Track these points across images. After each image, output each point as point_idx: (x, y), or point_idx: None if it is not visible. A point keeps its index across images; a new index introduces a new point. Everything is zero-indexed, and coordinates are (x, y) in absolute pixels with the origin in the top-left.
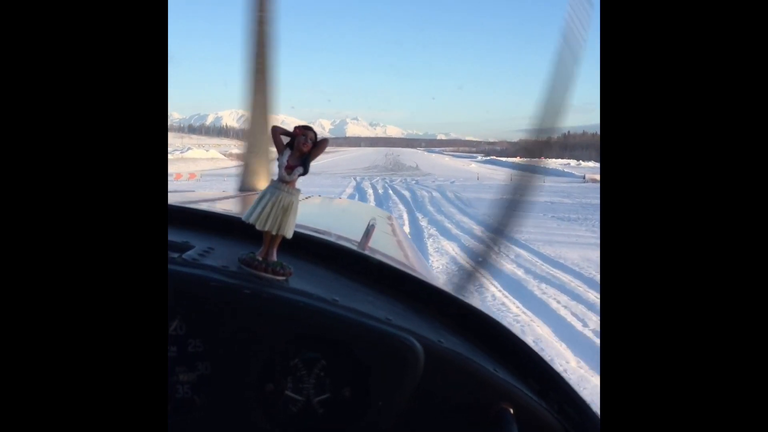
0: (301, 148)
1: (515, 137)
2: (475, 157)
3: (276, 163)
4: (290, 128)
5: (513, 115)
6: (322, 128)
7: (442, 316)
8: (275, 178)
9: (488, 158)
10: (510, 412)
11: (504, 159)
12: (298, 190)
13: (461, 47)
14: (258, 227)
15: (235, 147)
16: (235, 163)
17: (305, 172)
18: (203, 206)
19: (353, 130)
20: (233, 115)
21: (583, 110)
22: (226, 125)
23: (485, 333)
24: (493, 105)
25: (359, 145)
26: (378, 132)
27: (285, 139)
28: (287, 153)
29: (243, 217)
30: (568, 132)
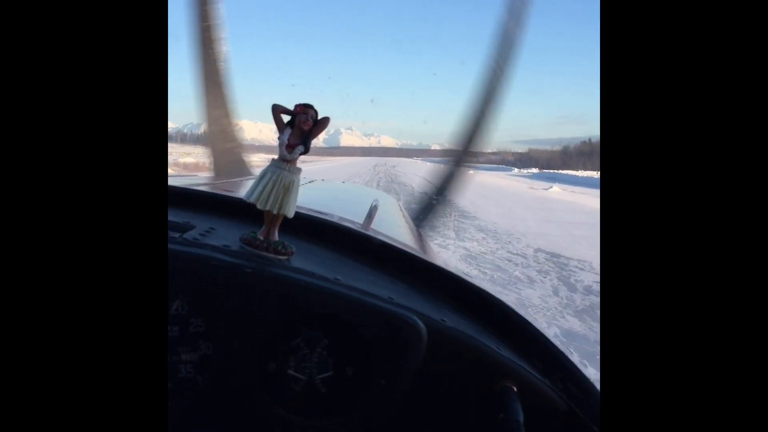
0: (301, 126)
1: (511, 148)
2: (498, 169)
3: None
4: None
5: (505, 125)
6: (317, 138)
7: (445, 296)
8: (276, 157)
9: (532, 171)
10: (514, 390)
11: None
12: (299, 169)
13: (455, 54)
14: (259, 207)
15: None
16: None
17: (306, 150)
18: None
19: (347, 140)
20: None
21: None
22: None
23: (488, 312)
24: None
25: (352, 155)
26: (372, 142)
27: (286, 118)
28: (288, 132)
29: (244, 197)
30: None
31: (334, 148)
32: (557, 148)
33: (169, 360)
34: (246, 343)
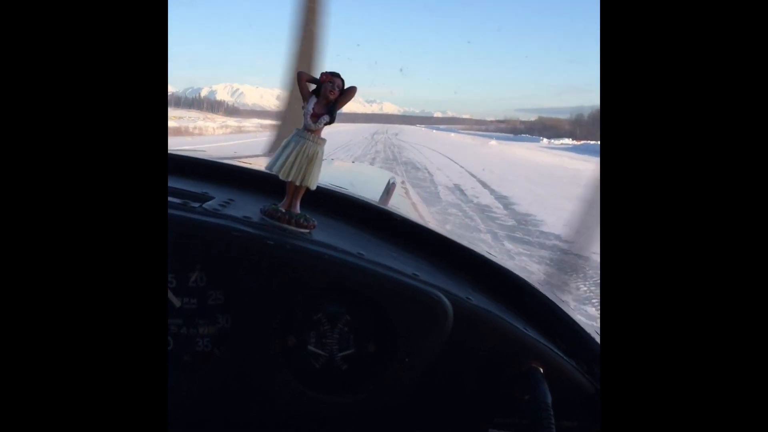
0: (327, 95)
1: (518, 116)
2: (508, 138)
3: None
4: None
5: (508, 95)
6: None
7: (468, 274)
8: (300, 127)
9: (565, 143)
10: (540, 370)
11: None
12: (324, 140)
13: (460, 23)
14: (281, 177)
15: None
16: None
17: (332, 120)
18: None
19: (349, 106)
20: (227, 90)
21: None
22: (221, 100)
23: (513, 292)
24: (488, 84)
25: (353, 122)
26: (374, 108)
27: (311, 87)
28: (313, 101)
29: (266, 167)
30: None
31: (336, 114)
32: (567, 116)
33: (186, 333)
34: (266, 317)
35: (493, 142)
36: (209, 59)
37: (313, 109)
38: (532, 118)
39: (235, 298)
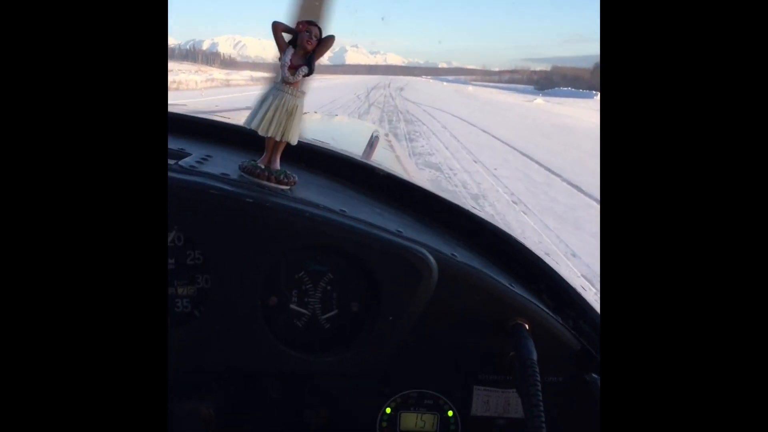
0: (305, 45)
1: (529, 66)
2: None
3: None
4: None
5: (515, 44)
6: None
7: (454, 231)
8: (278, 79)
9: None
10: (525, 327)
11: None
12: (303, 92)
13: None
14: (260, 133)
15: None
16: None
17: (310, 72)
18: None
19: (353, 57)
20: (229, 42)
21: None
22: (222, 52)
23: (499, 248)
24: (492, 33)
25: (357, 73)
26: (378, 60)
27: (288, 38)
28: (290, 51)
29: (243, 123)
30: None
31: (339, 66)
32: (585, 66)
33: None
34: (246, 276)
35: (539, 100)
36: (212, 10)
37: (290, 60)
38: (546, 67)
39: (214, 258)
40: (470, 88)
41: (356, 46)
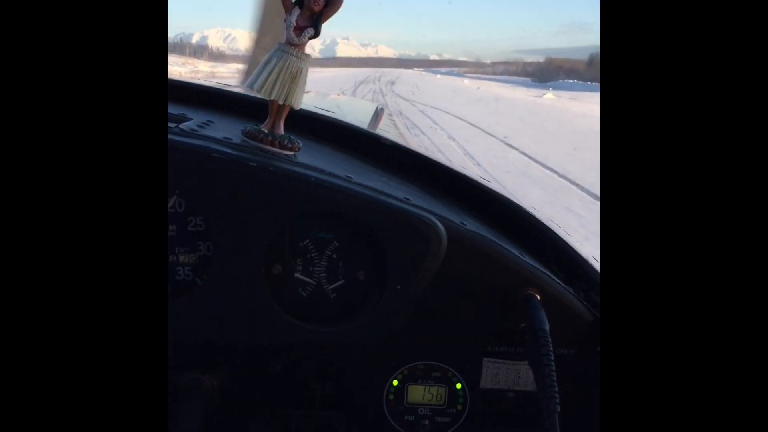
0: (312, 6)
1: (522, 58)
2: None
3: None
4: None
5: (505, 35)
6: (312, 48)
7: (462, 200)
8: (282, 41)
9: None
10: (537, 297)
11: None
12: (308, 55)
13: None
14: (263, 95)
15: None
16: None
17: (316, 34)
18: None
19: (344, 50)
20: (219, 35)
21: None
22: (212, 46)
23: (509, 218)
24: (482, 25)
25: (348, 65)
26: (369, 52)
27: None
28: (296, 12)
29: (246, 84)
30: None
31: (330, 58)
32: (580, 57)
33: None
34: (249, 243)
35: (550, 95)
36: (202, 2)
37: (296, 21)
38: (540, 59)
39: (216, 225)
40: (466, 81)
41: (347, 39)
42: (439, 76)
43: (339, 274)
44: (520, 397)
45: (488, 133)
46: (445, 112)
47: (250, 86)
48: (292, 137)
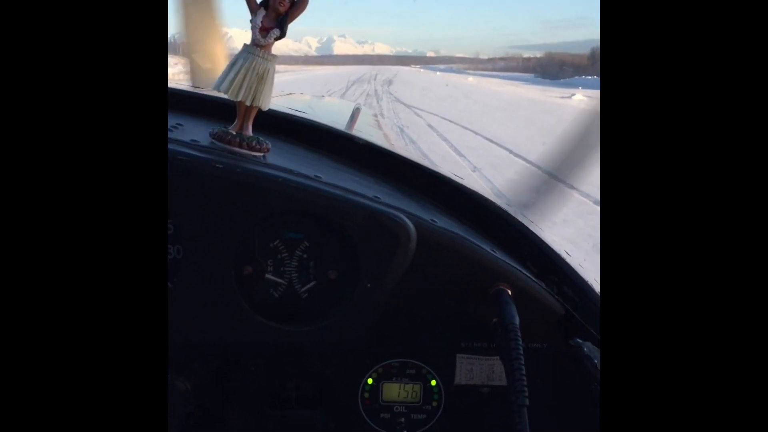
0: (277, 7)
1: (516, 53)
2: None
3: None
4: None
5: (500, 31)
6: (309, 46)
7: (435, 197)
8: (248, 42)
9: None
10: (508, 292)
11: None
12: (275, 56)
13: None
14: (230, 97)
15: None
16: None
17: (282, 34)
18: None
19: (340, 47)
20: None
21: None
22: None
23: (481, 214)
24: (477, 21)
25: (345, 63)
26: (366, 50)
27: None
28: (261, 13)
29: (213, 86)
30: None
31: (326, 56)
32: (579, 51)
33: None
34: (219, 246)
35: (579, 95)
36: None
37: (261, 22)
38: (539, 54)
39: (185, 228)
40: (471, 78)
41: (344, 36)
42: (438, 73)
43: (310, 273)
44: (495, 392)
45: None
46: (460, 125)
47: (217, 88)
48: (261, 138)
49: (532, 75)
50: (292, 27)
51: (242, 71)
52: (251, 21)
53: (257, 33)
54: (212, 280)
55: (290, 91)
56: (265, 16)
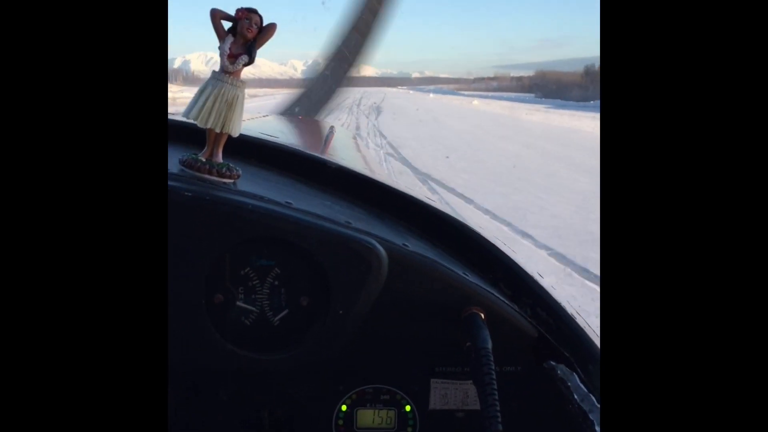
0: (245, 33)
1: (509, 72)
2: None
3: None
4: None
5: (485, 51)
6: (294, 69)
7: (407, 221)
8: (216, 69)
9: None
10: (481, 316)
11: None
12: (244, 82)
13: None
14: (200, 124)
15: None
16: None
17: (251, 61)
18: None
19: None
20: (202, 59)
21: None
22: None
23: (454, 237)
24: (463, 41)
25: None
26: (352, 71)
27: (227, 25)
28: (229, 40)
29: (182, 114)
30: None
31: (311, 78)
32: (568, 69)
33: None
34: (189, 274)
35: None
36: (185, 28)
37: (229, 49)
38: (528, 73)
39: None
40: (476, 101)
41: None
42: (432, 95)
43: (282, 300)
44: (470, 416)
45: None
46: (498, 183)
47: (186, 115)
48: (231, 165)
49: (532, 95)
50: (278, 50)
51: (211, 98)
52: (219, 48)
53: (226, 59)
54: (183, 308)
55: (265, 114)
56: (233, 43)
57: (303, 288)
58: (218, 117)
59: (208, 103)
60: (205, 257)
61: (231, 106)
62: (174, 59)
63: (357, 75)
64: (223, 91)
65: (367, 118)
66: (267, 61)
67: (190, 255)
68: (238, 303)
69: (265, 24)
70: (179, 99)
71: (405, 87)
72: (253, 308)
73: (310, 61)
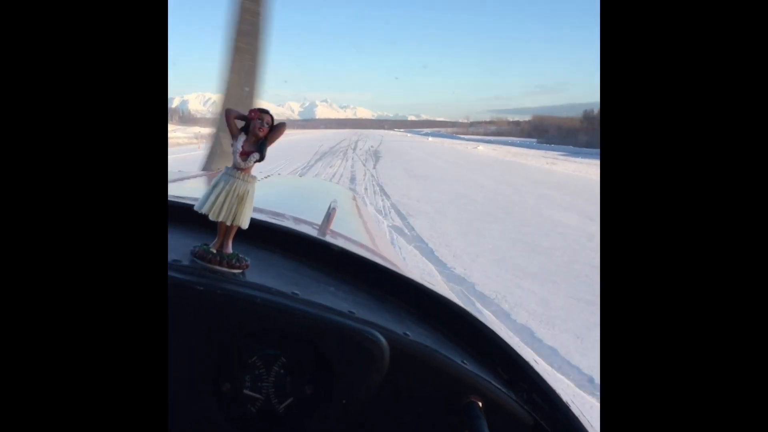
0: (256, 132)
1: (506, 117)
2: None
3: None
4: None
5: (480, 95)
6: (292, 111)
7: (407, 305)
8: (229, 165)
9: None
10: (479, 405)
11: None
12: (254, 178)
13: (425, 26)
14: (211, 218)
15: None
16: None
17: (261, 158)
18: None
19: (323, 112)
20: (200, 99)
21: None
22: (192, 111)
23: (452, 322)
24: (458, 85)
25: (327, 127)
26: (348, 114)
27: (240, 124)
28: (242, 138)
29: (195, 207)
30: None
31: (309, 120)
32: (575, 114)
33: None
34: (198, 363)
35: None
36: (185, 68)
37: (242, 146)
38: (525, 118)
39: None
40: (481, 147)
41: (326, 101)
42: (430, 138)
43: (286, 388)
44: None
45: None
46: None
47: (199, 209)
48: (240, 255)
49: (534, 140)
50: (277, 92)
51: (223, 193)
52: (232, 145)
53: (238, 156)
54: (191, 396)
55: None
56: (245, 141)
57: (308, 376)
58: (229, 211)
59: (220, 198)
60: (213, 348)
61: (242, 200)
62: (172, 99)
63: (353, 117)
64: (234, 186)
65: (363, 164)
66: (265, 103)
67: (199, 346)
68: (245, 391)
69: (276, 123)
70: (172, 138)
71: (402, 129)
72: (259, 396)
73: (307, 103)
